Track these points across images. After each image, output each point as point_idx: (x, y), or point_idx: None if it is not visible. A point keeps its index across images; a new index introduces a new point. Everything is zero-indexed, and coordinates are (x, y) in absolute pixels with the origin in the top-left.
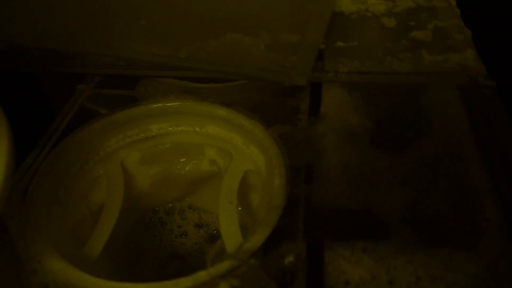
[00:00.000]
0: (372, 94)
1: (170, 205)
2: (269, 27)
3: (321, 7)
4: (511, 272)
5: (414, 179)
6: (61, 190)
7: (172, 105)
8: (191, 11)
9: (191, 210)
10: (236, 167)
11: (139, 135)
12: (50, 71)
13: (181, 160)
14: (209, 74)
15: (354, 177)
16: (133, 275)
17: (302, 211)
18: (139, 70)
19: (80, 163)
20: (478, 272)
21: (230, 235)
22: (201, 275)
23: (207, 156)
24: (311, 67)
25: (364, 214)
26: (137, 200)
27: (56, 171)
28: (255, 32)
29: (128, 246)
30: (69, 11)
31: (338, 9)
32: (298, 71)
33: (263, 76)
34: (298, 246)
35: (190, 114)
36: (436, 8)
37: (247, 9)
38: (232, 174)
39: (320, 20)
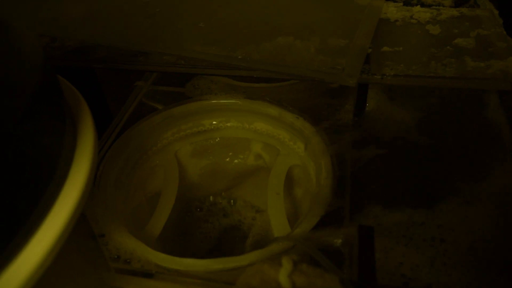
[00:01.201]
0: (417, 96)
1: (215, 196)
2: (319, 32)
3: (367, 15)
4: None
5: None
6: (124, 176)
7: (223, 102)
8: (246, 17)
9: (236, 201)
10: (283, 161)
11: (192, 129)
12: (115, 68)
13: (229, 154)
14: (263, 74)
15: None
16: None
17: (349, 200)
18: (197, 68)
19: (140, 152)
20: None
21: (278, 223)
22: (260, 253)
23: (253, 151)
24: (360, 69)
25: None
26: (187, 189)
27: (120, 159)
28: (305, 36)
29: (177, 232)
30: (137, 13)
31: (384, 16)
32: (348, 72)
33: (314, 77)
34: (345, 231)
35: (240, 111)
36: (479, 17)
37: (298, 15)
38: (279, 168)
39: (368, 26)
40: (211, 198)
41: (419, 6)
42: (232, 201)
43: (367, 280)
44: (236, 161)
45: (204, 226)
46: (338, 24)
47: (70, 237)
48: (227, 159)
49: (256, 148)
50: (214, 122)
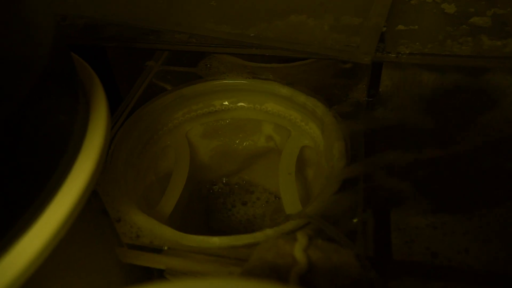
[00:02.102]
0: (433, 75)
1: (226, 177)
2: (332, 10)
3: None
4: None
5: None
6: (134, 156)
7: (234, 82)
8: None
9: (246, 183)
10: (294, 142)
11: (203, 110)
12: (126, 47)
13: (240, 135)
14: (276, 52)
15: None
16: None
17: (362, 180)
18: (209, 47)
19: (151, 132)
20: None
21: (290, 202)
22: (273, 231)
23: (264, 133)
24: (375, 47)
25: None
26: (197, 171)
27: (130, 140)
28: (318, 14)
29: (188, 213)
30: None
31: None
32: (363, 50)
33: (329, 54)
34: (359, 210)
35: (251, 92)
36: None
37: None
38: (291, 148)
39: (382, 5)
40: (221, 179)
41: None
42: (242, 182)
43: (382, 255)
44: (246, 142)
45: (214, 207)
46: (351, 3)
47: (82, 213)
48: (238, 141)
49: (267, 130)
50: (225, 103)
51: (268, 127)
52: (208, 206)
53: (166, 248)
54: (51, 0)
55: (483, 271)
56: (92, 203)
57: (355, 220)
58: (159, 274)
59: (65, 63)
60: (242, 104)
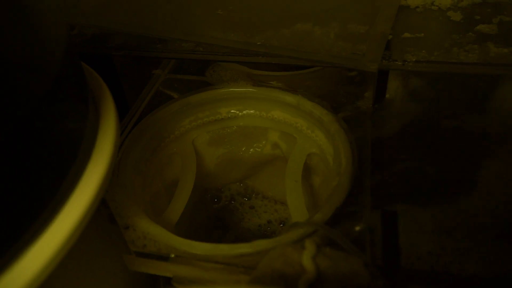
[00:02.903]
0: (439, 83)
1: (232, 185)
2: (338, 19)
3: (388, 1)
4: None
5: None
6: (142, 163)
7: (241, 90)
8: (264, 3)
9: (253, 191)
10: (301, 149)
11: (209, 117)
12: (133, 55)
13: (246, 142)
14: (283, 60)
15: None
16: None
17: (369, 187)
18: (216, 55)
19: (158, 140)
20: None
21: (296, 210)
22: (281, 238)
23: (270, 140)
24: (381, 55)
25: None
26: (204, 178)
27: (138, 147)
28: (324, 22)
29: (194, 221)
30: (154, 0)
31: (404, 3)
32: (369, 58)
33: (335, 62)
34: (366, 217)
35: (257, 99)
36: (501, 3)
37: (317, 1)
38: (297, 156)
39: (388, 13)
40: (228, 187)
41: None
42: (248, 190)
43: (391, 263)
44: (253, 150)
45: (221, 215)
46: (357, 11)
47: (92, 221)
48: (244, 148)
49: (273, 137)
50: (231, 111)
51: (274, 135)
52: (215, 213)
53: (173, 255)
54: (64, 11)
55: (492, 279)
56: (101, 211)
57: (358, 228)
58: (167, 282)
59: (76, 71)
60: (248, 111)
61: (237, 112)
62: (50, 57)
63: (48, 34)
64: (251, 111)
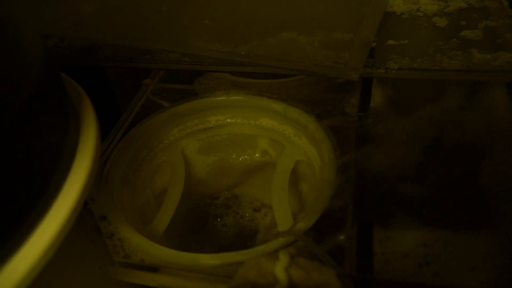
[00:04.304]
0: (421, 90)
1: (223, 192)
2: (323, 27)
3: (373, 8)
4: None
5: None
6: (131, 173)
7: (229, 98)
8: (250, 13)
9: (243, 197)
10: (288, 157)
11: (198, 126)
12: (122, 66)
13: (236, 150)
14: (267, 69)
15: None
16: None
17: (352, 196)
18: (202, 65)
19: (147, 149)
20: None
21: (282, 217)
22: (261, 248)
23: (260, 147)
24: (363, 63)
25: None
26: (194, 186)
27: (127, 156)
28: (309, 31)
29: (185, 229)
30: (142, 11)
31: (390, 9)
32: (351, 66)
33: (318, 71)
34: (348, 227)
35: (246, 108)
36: (488, 8)
37: (302, 10)
38: (284, 163)
39: (372, 20)
40: (218, 194)
41: None
42: (239, 197)
43: (364, 273)
44: (242, 157)
45: (212, 222)
46: (343, 18)
47: (74, 231)
48: (234, 156)
49: (262, 144)
50: (220, 119)
51: (263, 142)
52: (206, 220)
53: (157, 266)
54: (46, 28)
55: None
56: (87, 222)
57: (342, 237)
58: None
59: (55, 84)
60: (237, 120)
61: (226, 120)
62: (27, 71)
63: (24, 48)
64: (240, 119)
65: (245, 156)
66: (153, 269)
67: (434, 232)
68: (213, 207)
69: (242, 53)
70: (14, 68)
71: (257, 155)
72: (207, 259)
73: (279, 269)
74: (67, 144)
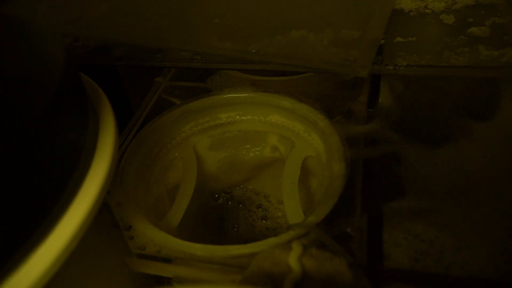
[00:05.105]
0: (429, 87)
1: (234, 187)
2: (332, 25)
3: (381, 6)
4: None
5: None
6: (144, 169)
7: (240, 96)
8: (260, 11)
9: (254, 193)
10: (298, 152)
11: (209, 123)
12: (135, 65)
13: (246, 146)
14: (277, 67)
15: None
16: None
17: (360, 189)
18: (213, 63)
19: (160, 146)
20: None
21: (293, 211)
22: (273, 240)
23: (270, 143)
24: (372, 60)
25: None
26: (205, 182)
27: (141, 152)
28: (319, 29)
29: (197, 224)
30: (154, 11)
31: (398, 7)
32: (360, 63)
33: (327, 68)
34: (357, 219)
35: (256, 104)
36: (495, 5)
37: (312, 8)
38: (294, 158)
39: (381, 18)
40: (229, 190)
41: None
42: (250, 192)
43: (374, 263)
44: (252, 153)
45: (224, 217)
46: (351, 16)
47: (94, 225)
48: (244, 152)
49: (272, 140)
50: (230, 116)
51: (273, 138)
52: (217, 215)
53: (173, 257)
54: (61, 28)
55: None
56: (104, 215)
57: (349, 230)
58: (168, 282)
59: (75, 84)
60: (248, 116)
61: (237, 117)
62: (50, 72)
63: (46, 51)
64: (250, 116)
65: (255, 152)
66: (169, 260)
67: (442, 223)
68: (224, 203)
69: (253, 51)
70: (39, 69)
71: (267, 151)
72: (221, 251)
73: (293, 258)
74: (87, 140)
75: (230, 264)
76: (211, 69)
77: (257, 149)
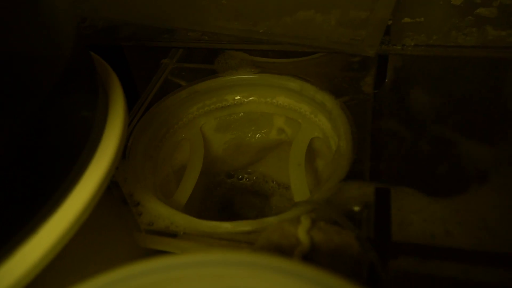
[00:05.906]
0: (438, 67)
1: (240, 169)
2: (339, 5)
3: None
4: None
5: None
6: (152, 149)
7: (246, 77)
8: None
9: (260, 174)
10: (304, 134)
11: (216, 104)
12: (141, 46)
13: (252, 128)
14: (284, 47)
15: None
16: None
17: (368, 167)
18: (220, 43)
19: (167, 127)
20: None
21: (299, 192)
22: (282, 216)
23: (276, 125)
24: (379, 40)
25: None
26: (212, 163)
27: (148, 133)
28: (326, 9)
29: (203, 205)
30: None
31: None
32: (367, 43)
33: (334, 48)
34: (365, 195)
35: (263, 86)
36: None
37: None
38: (301, 140)
39: None
40: (235, 172)
41: None
42: (256, 174)
43: (382, 237)
44: (259, 135)
45: (229, 198)
46: None
47: (103, 201)
48: (250, 134)
49: (278, 122)
50: (237, 97)
51: (279, 120)
52: (223, 197)
53: (181, 233)
54: (72, 5)
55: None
56: (113, 192)
57: (356, 208)
58: None
59: (85, 62)
60: (254, 98)
61: (243, 98)
62: (60, 49)
63: (58, 28)
64: (257, 98)
65: (262, 134)
66: (177, 235)
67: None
68: (230, 184)
69: (261, 31)
70: (49, 45)
71: (273, 133)
72: (230, 227)
73: (301, 231)
74: (97, 117)
75: (239, 240)
76: (217, 50)
77: (263, 131)
